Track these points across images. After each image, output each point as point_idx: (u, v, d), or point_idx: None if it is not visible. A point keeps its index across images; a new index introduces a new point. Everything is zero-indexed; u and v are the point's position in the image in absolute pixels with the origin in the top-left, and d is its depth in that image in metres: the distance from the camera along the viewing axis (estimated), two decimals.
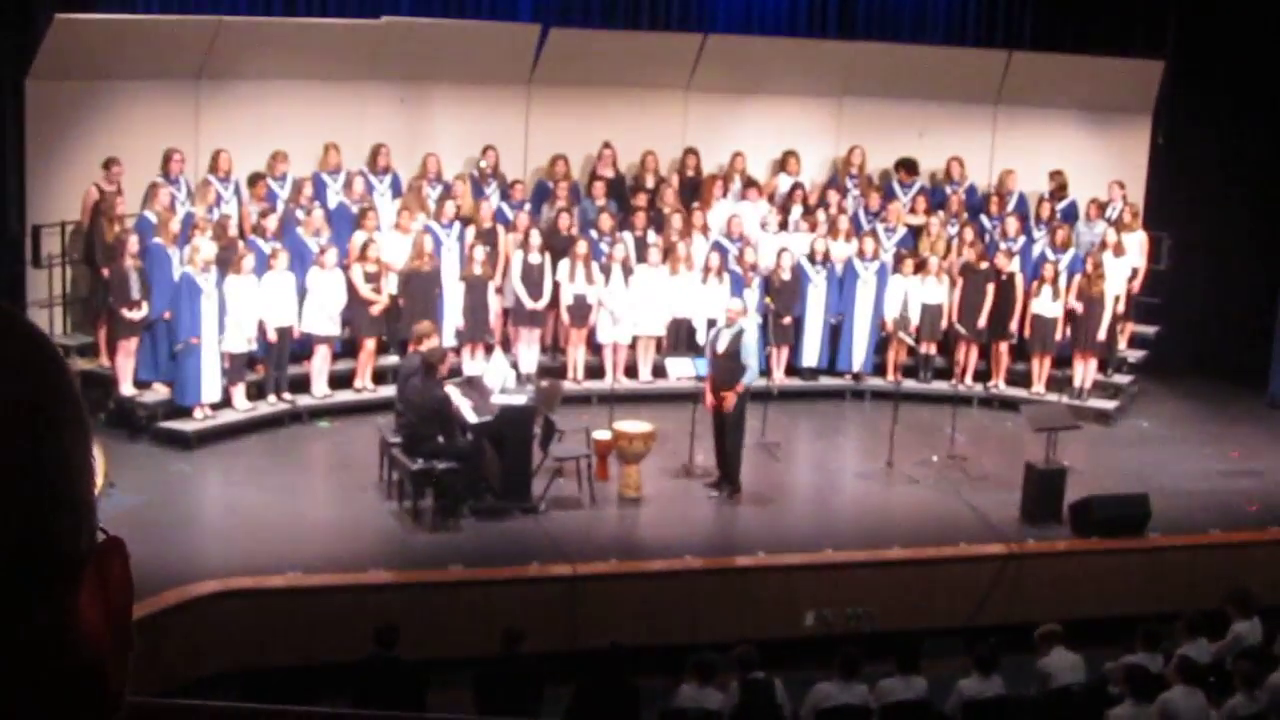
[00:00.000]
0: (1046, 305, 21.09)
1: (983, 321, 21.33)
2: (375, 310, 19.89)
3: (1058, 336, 21.23)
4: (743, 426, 17.68)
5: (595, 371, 21.12)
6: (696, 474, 18.00)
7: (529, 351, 20.80)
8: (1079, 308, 21.04)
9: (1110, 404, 21.51)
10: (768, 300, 20.89)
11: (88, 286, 19.36)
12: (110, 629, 1.24)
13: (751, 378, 17.70)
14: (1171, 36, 23.19)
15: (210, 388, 18.62)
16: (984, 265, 21.40)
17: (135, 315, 18.39)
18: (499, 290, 20.72)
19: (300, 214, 20.02)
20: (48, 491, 1.20)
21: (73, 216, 19.17)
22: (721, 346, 17.51)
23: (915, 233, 22.20)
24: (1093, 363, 21.51)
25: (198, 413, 18.56)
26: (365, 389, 20.14)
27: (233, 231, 19.32)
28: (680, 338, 20.91)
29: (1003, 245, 21.62)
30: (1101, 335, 21.29)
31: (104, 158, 19.14)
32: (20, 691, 1.17)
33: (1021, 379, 21.63)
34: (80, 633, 1.21)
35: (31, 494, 1.18)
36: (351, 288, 19.64)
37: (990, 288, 21.30)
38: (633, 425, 17.74)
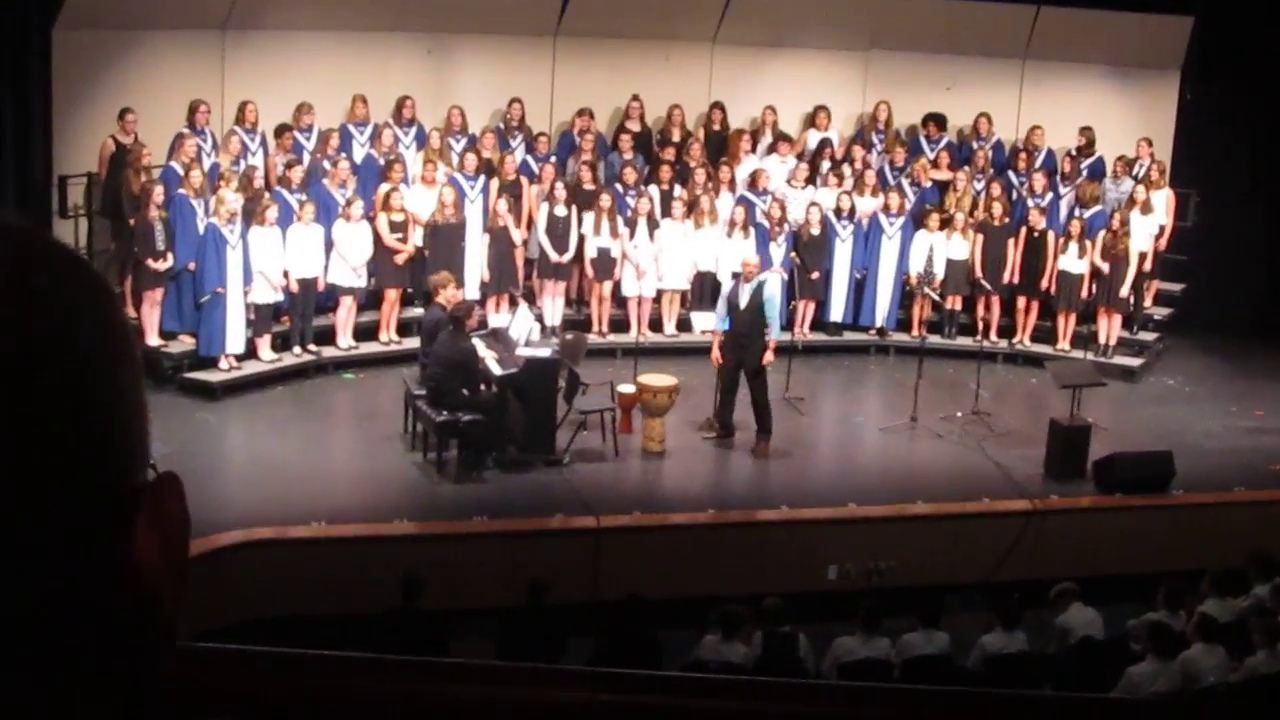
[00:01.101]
0: (1072, 262, 21.04)
1: (1007, 277, 21.31)
2: (400, 260, 19.90)
3: (1083, 293, 21.18)
4: (765, 377, 17.68)
5: (620, 325, 21.12)
6: (717, 428, 18.01)
7: (554, 304, 20.81)
8: (1105, 267, 20.97)
9: (1135, 361, 21.48)
10: (794, 255, 20.87)
11: (112, 237, 19.38)
12: (166, 562, 1.27)
13: (776, 332, 17.74)
14: None
15: (235, 339, 18.67)
16: (1007, 221, 21.35)
17: (160, 266, 18.43)
18: (524, 242, 20.72)
19: (326, 165, 20.02)
20: (103, 426, 1.22)
21: (95, 168, 19.19)
22: (743, 301, 17.50)
23: (941, 188, 22.15)
24: (1118, 320, 21.46)
25: (223, 363, 18.62)
26: (391, 341, 20.17)
27: (259, 183, 19.34)
28: (704, 291, 20.87)
29: (1031, 202, 21.58)
30: (1126, 292, 21.25)
31: (120, 109, 19.15)
32: (80, 622, 1.20)
33: (1046, 335, 21.60)
34: (137, 565, 1.24)
35: (87, 429, 1.20)
36: (377, 239, 19.66)
37: (1013, 243, 21.27)
38: (657, 379, 17.75)
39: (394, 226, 19.80)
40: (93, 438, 1.20)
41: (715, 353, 17.71)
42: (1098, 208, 21.59)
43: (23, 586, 1.16)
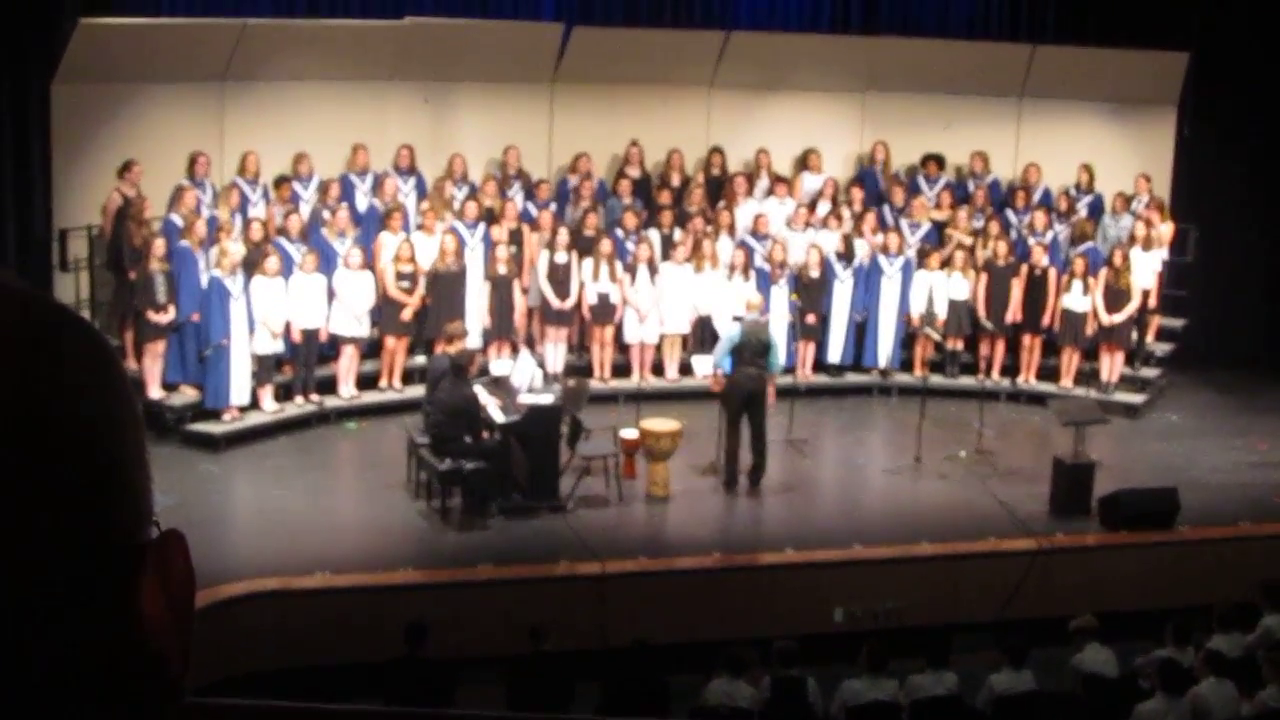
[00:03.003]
0: (1075, 299, 21.05)
1: (1010, 316, 21.33)
2: (407, 315, 19.92)
3: (1088, 330, 21.17)
4: (765, 417, 17.81)
5: (622, 370, 21.13)
6: (722, 472, 17.97)
7: (556, 350, 20.82)
8: (1105, 318, 20.95)
9: (1138, 397, 21.48)
10: (794, 297, 20.88)
11: (113, 289, 19.41)
12: (172, 619, 1.27)
13: (777, 370, 17.87)
14: (1196, 28, 23.10)
15: (240, 390, 18.67)
16: (1010, 259, 21.37)
17: (162, 319, 18.44)
18: (524, 289, 20.75)
19: (325, 214, 20.05)
20: (110, 487, 1.23)
21: (99, 220, 19.23)
22: (751, 342, 17.56)
23: (940, 228, 22.17)
24: (1120, 356, 21.46)
25: (226, 415, 18.61)
26: (392, 389, 20.17)
27: (260, 234, 19.37)
28: (706, 336, 20.88)
29: (1033, 240, 21.60)
30: (1129, 329, 21.26)
31: (124, 161, 19.20)
32: (86, 679, 1.20)
33: (1049, 373, 21.59)
34: (142, 622, 1.24)
35: (95, 490, 1.21)
36: (379, 287, 19.67)
37: (1015, 282, 21.29)
38: (660, 423, 17.74)
39: (401, 276, 19.82)
40: (100, 498, 1.21)
41: (716, 383, 17.78)
42: (1088, 244, 21.61)
43: (33, 643, 1.16)
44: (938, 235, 22.04)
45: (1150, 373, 22.15)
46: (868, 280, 21.53)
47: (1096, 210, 22.48)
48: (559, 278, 20.56)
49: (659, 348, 21.28)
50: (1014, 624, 15.27)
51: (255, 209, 20.01)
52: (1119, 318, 21.01)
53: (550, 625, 13.52)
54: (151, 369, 18.59)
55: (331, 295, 19.36)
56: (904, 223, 22.10)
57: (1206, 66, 22.94)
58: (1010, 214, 22.41)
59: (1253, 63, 23.11)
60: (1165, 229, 22.08)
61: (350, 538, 16.27)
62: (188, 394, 18.84)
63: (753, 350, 17.56)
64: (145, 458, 1.30)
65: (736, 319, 18.53)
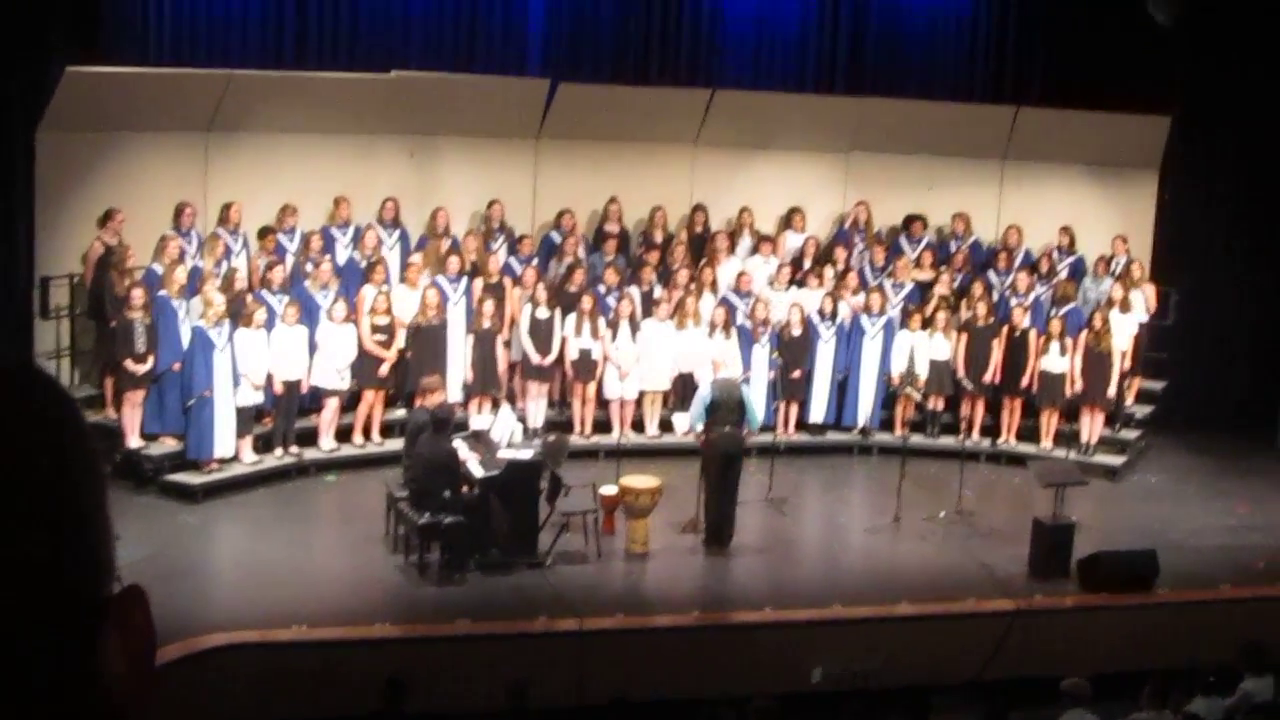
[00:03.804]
0: (1054, 361, 21.10)
1: (989, 376, 21.36)
2: (384, 370, 19.91)
3: (1067, 392, 21.21)
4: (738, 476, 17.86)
5: (602, 426, 21.11)
6: (702, 530, 17.94)
7: (536, 406, 20.80)
8: (1080, 383, 21.02)
9: (1118, 459, 21.49)
10: (776, 355, 20.90)
11: (94, 338, 19.38)
12: (133, 674, 1.26)
13: (756, 427, 18.01)
14: (1178, 93, 23.22)
15: (224, 442, 18.61)
16: (991, 320, 21.42)
17: (141, 369, 18.39)
18: (506, 344, 20.74)
19: (309, 267, 20.05)
20: (74, 546, 1.23)
21: (80, 268, 19.21)
22: (729, 400, 17.55)
23: (922, 288, 22.22)
24: (1100, 418, 21.49)
25: (206, 466, 18.55)
26: (371, 443, 20.14)
27: (241, 285, 19.36)
28: (687, 392, 20.86)
29: (1014, 301, 21.66)
30: (1111, 391, 21.31)
31: (106, 210, 19.19)
32: None
33: (1029, 434, 21.61)
34: (104, 678, 1.23)
35: (52, 544, 1.20)
36: (360, 341, 19.65)
37: (996, 343, 21.33)
38: (639, 480, 17.72)
39: (377, 329, 19.80)
40: (64, 557, 1.20)
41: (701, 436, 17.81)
42: (1070, 305, 21.68)
43: None
44: (920, 295, 22.09)
45: (1130, 434, 22.17)
46: (849, 339, 21.57)
47: (1078, 272, 22.55)
48: (541, 333, 20.56)
49: (639, 404, 21.27)
50: (993, 685, 15.25)
51: (237, 259, 19.99)
52: (1110, 390, 21.15)
53: (529, 682, 13.47)
54: (131, 418, 18.53)
55: (314, 348, 19.35)
56: (887, 282, 22.14)
57: (1188, 130, 23.06)
58: (992, 275, 22.46)
59: (1234, 127, 23.23)
60: (1147, 290, 22.14)
61: (328, 591, 16.20)
62: (167, 444, 18.77)
63: (727, 409, 17.57)
64: (106, 513, 1.29)
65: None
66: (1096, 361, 21.01)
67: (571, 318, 20.60)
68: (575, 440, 20.00)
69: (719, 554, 17.58)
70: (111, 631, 1.25)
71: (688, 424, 18.27)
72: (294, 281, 19.90)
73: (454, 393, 19.87)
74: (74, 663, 1.21)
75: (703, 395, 17.93)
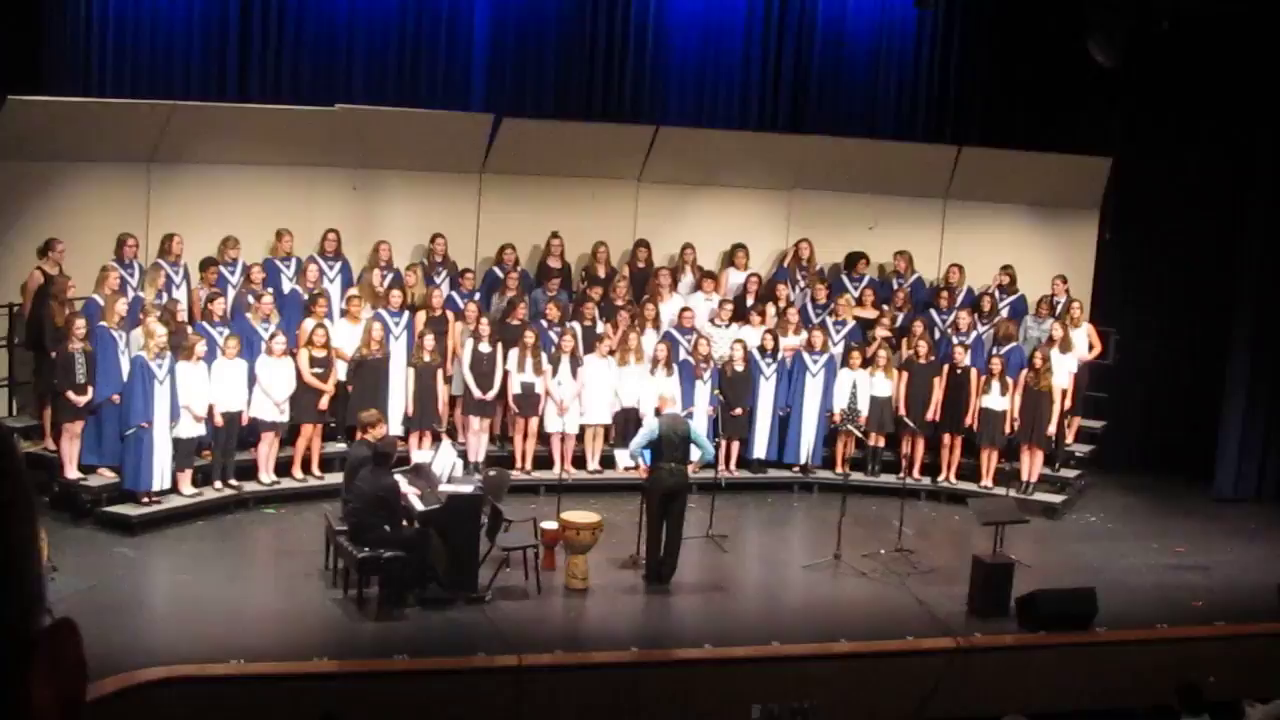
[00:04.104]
0: (995, 399, 21.19)
1: (930, 415, 21.43)
2: (323, 403, 19.85)
3: (1007, 430, 21.31)
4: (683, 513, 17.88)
5: (543, 461, 21.07)
6: (642, 566, 17.92)
7: (477, 440, 20.76)
8: (1019, 422, 21.13)
9: (1057, 498, 21.59)
10: (717, 392, 20.93)
11: (32, 369, 19.24)
12: (64, 707, 1.24)
13: (709, 459, 18.16)
14: (1118, 134, 23.38)
15: (160, 474, 18.49)
16: (932, 359, 21.51)
17: (80, 400, 18.27)
18: (448, 379, 20.70)
19: (250, 299, 19.97)
20: (4, 580, 1.20)
21: (19, 298, 19.09)
22: (674, 436, 17.56)
23: (864, 326, 22.29)
24: (1039, 456, 21.57)
25: (143, 499, 18.42)
26: (311, 476, 20.05)
27: (182, 316, 19.26)
28: (628, 428, 20.86)
29: (956, 340, 21.74)
30: (1050, 430, 21.41)
31: (46, 240, 19.07)
32: None
33: (969, 472, 21.68)
34: (36, 711, 1.21)
35: None
36: (299, 374, 19.58)
37: (937, 381, 21.41)
38: (580, 515, 17.69)
39: (315, 362, 19.73)
40: None
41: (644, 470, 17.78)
42: (1012, 344, 21.79)
43: None
44: (862, 333, 22.15)
45: (1070, 473, 22.28)
46: (791, 376, 21.61)
47: (1019, 311, 22.67)
48: (482, 368, 20.53)
49: (581, 439, 21.25)
50: None
51: (178, 291, 19.89)
52: (1050, 429, 21.29)
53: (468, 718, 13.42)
54: (69, 449, 18.40)
55: (253, 380, 19.27)
56: (829, 320, 22.20)
57: (1129, 171, 23.21)
58: (934, 313, 22.56)
59: (1174, 169, 23.39)
60: (1089, 330, 22.28)
61: (266, 625, 16.09)
62: (105, 475, 18.65)
63: (672, 445, 17.55)
64: (39, 549, 1.27)
65: (657, 412, 18.55)
66: (1036, 400, 21.12)
67: (514, 353, 20.58)
68: (516, 475, 19.98)
69: (659, 590, 17.56)
70: (42, 665, 1.23)
71: (628, 454, 18.26)
72: (235, 314, 19.82)
73: (395, 426, 19.79)
74: (6, 695, 1.19)
75: (649, 429, 17.91)
